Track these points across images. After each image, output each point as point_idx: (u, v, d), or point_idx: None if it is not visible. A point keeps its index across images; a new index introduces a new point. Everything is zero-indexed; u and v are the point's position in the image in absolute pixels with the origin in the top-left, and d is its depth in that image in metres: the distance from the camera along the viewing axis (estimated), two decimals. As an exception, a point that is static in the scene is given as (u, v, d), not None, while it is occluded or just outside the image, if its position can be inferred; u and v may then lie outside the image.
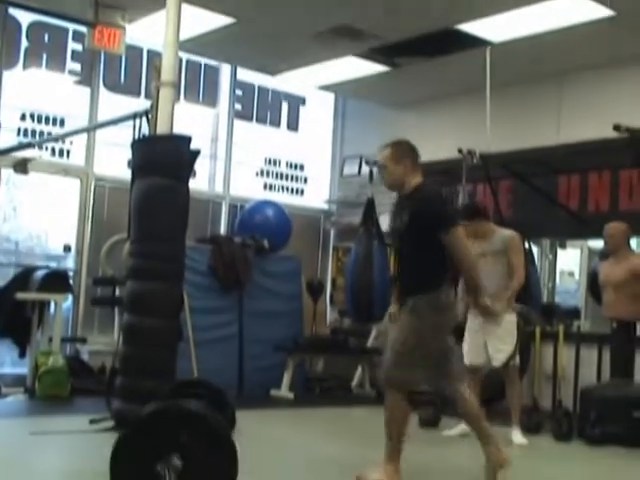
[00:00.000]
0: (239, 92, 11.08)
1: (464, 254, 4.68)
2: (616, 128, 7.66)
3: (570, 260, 10.56)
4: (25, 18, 9.19)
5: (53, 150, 9.47)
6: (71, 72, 9.67)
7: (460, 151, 8.88)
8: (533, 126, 9.47)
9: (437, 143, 10.09)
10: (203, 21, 8.39)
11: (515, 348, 6.84)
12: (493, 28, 8.21)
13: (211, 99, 10.85)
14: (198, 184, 9.79)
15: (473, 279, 4.85)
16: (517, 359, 6.91)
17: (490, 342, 6.81)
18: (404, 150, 4.90)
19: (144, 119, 6.52)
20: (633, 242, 7.80)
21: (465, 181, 9.01)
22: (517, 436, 6.85)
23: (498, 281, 6.77)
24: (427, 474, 5.45)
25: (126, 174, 7.35)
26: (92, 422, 6.24)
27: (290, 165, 11.57)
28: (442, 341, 4.84)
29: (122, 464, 3.51)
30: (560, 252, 10.16)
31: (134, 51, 9.84)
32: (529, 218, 9.07)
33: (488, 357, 6.83)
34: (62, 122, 9.49)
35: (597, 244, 8.57)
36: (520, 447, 6.72)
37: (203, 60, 10.55)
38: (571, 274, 10.70)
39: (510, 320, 6.83)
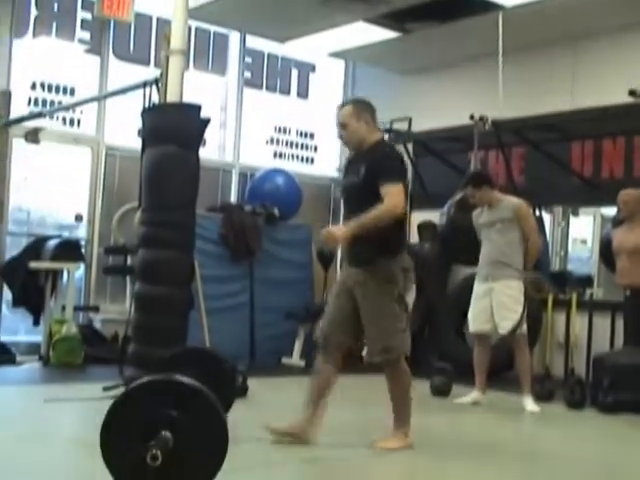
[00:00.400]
0: (248, 60, 11.01)
1: (389, 210, 4.60)
2: (632, 93, 7.60)
3: (583, 227, 10.52)
4: (34, -14, 9.16)
5: (64, 119, 9.45)
6: (81, 41, 9.63)
7: (472, 117, 8.82)
8: (546, 92, 9.38)
9: (448, 110, 10.04)
10: (212, -12, 8.33)
11: (522, 316, 6.79)
12: (505, -8, 8.13)
13: (220, 67, 10.79)
14: (208, 153, 9.76)
15: (376, 226, 4.63)
16: (525, 327, 6.86)
17: (496, 309, 6.83)
18: (363, 107, 4.93)
19: (154, 88, 6.50)
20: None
21: (477, 148, 8.94)
22: (529, 404, 6.84)
23: (505, 249, 6.83)
24: (439, 442, 5.45)
25: (137, 143, 7.33)
26: (105, 389, 6.27)
27: (300, 133, 11.52)
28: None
29: (112, 436, 3.48)
30: (573, 219, 10.11)
31: (143, 19, 9.80)
32: (542, 185, 9.02)
33: (495, 324, 6.86)
34: (72, 91, 9.46)
35: (610, 211, 8.51)
36: (532, 414, 6.75)
37: (212, 28, 10.48)
38: (584, 242, 10.65)
39: (517, 287, 6.80)
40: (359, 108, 4.90)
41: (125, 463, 3.45)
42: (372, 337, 4.77)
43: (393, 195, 4.59)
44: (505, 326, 6.78)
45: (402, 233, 4.93)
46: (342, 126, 4.88)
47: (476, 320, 6.97)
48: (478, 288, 6.99)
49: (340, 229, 4.79)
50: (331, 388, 4.90)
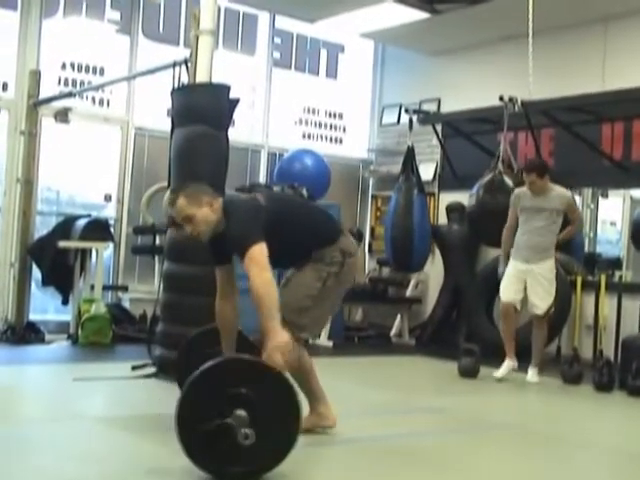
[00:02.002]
0: (277, 40, 10.99)
1: (257, 283, 4.07)
2: (662, 75, 7.53)
3: (612, 209, 10.44)
4: (64, -34, 9.19)
5: (93, 99, 9.49)
6: (110, 21, 9.64)
7: (501, 98, 8.76)
8: (576, 73, 9.31)
9: (478, 91, 10.01)
10: (241, -32, 8.31)
11: (555, 298, 7.21)
12: (536, -28, 8.05)
13: (250, 47, 10.78)
14: (237, 133, 9.76)
15: (271, 304, 4.05)
16: (553, 308, 7.25)
17: (533, 290, 7.16)
18: (197, 190, 4.28)
19: (183, 68, 6.51)
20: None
21: (506, 129, 8.89)
22: (531, 374, 7.21)
23: (547, 235, 7.19)
24: (468, 423, 5.47)
25: (166, 123, 7.35)
26: (134, 368, 6.32)
27: (329, 114, 11.50)
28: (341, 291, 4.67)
29: (188, 418, 3.58)
30: (602, 201, 10.04)
31: (173, 0, 9.79)
32: (571, 167, 8.96)
33: (526, 300, 7.20)
34: (102, 71, 9.48)
35: (640, 193, 8.46)
36: (530, 384, 7.10)
37: (241, 8, 10.46)
38: (613, 224, 10.58)
39: (553, 270, 7.22)
40: (194, 193, 4.23)
41: (199, 440, 3.55)
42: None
43: (249, 267, 4.09)
44: (541, 306, 7.16)
45: (325, 224, 4.61)
46: (187, 220, 4.22)
47: (509, 290, 7.23)
48: (515, 266, 7.25)
49: (277, 354, 3.82)
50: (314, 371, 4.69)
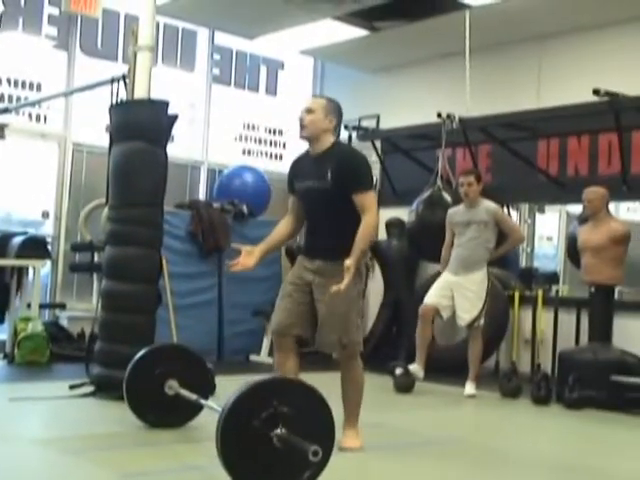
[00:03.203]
0: (217, 56, 10.99)
1: (373, 226, 4.59)
2: (596, 92, 7.65)
3: (549, 225, 10.60)
4: (0, -19, 9.09)
5: (30, 115, 9.39)
6: (48, 36, 9.56)
7: (439, 115, 8.87)
8: (513, 90, 9.46)
9: (416, 108, 10.09)
10: (180, -16, 8.30)
11: (481, 311, 7.27)
12: (473, -9, 8.17)
13: (189, 64, 10.76)
14: (176, 149, 9.72)
15: (370, 243, 4.63)
16: (482, 321, 7.30)
17: (459, 302, 7.28)
18: (335, 109, 4.79)
19: (121, 84, 6.47)
20: (611, 207, 7.82)
21: (444, 145, 8.99)
22: (469, 388, 7.28)
23: (477, 248, 7.28)
24: (405, 438, 5.49)
25: (104, 139, 7.29)
26: (72, 388, 6.24)
27: (269, 130, 11.51)
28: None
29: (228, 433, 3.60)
30: (539, 217, 10.19)
31: (111, 15, 9.75)
32: (508, 182, 9.08)
33: (452, 307, 7.31)
34: (39, 87, 9.39)
35: (576, 209, 8.59)
36: (468, 397, 7.19)
37: (181, 24, 10.44)
38: (550, 239, 10.74)
39: (481, 284, 7.29)
40: (331, 107, 4.76)
41: (243, 457, 3.59)
42: (331, 330, 4.59)
43: (371, 207, 4.57)
44: (465, 318, 7.27)
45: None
46: (308, 110, 4.72)
47: (433, 295, 7.37)
48: (445, 277, 7.41)
49: (345, 280, 4.42)
50: None
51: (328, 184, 4.60)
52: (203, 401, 4.76)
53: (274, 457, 3.57)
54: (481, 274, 7.26)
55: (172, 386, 4.98)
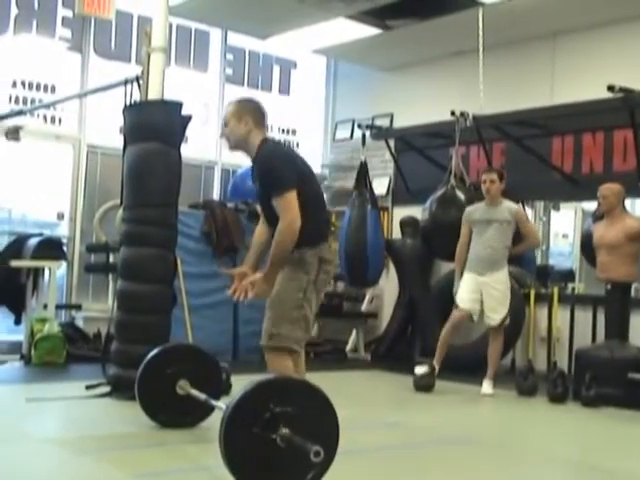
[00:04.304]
0: (230, 57, 11.01)
1: (286, 230, 4.29)
2: (610, 88, 7.61)
3: (564, 222, 10.56)
4: (13, -16, 9.13)
5: (45, 117, 9.43)
6: (61, 38, 9.59)
7: (453, 113, 8.85)
8: (526, 87, 9.43)
9: (430, 106, 10.08)
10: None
11: (509, 310, 7.33)
12: (485, -11, 8.16)
13: (202, 64, 10.78)
14: (190, 150, 9.74)
15: (285, 250, 4.35)
16: (508, 320, 7.36)
17: (488, 302, 7.28)
18: (247, 108, 4.58)
19: (135, 85, 6.48)
20: (627, 203, 7.79)
21: (458, 144, 8.97)
22: (486, 386, 7.30)
23: (499, 247, 7.31)
24: (422, 437, 5.48)
25: (118, 140, 7.32)
26: (88, 388, 6.26)
27: (282, 130, 11.52)
28: (318, 299, 4.59)
29: (234, 431, 3.60)
30: (554, 214, 10.15)
31: (124, 17, 9.79)
32: (522, 180, 9.04)
33: (481, 311, 7.31)
34: (53, 89, 9.43)
35: (591, 206, 8.55)
36: (484, 396, 7.20)
37: (193, 25, 10.46)
38: (565, 236, 10.70)
39: (506, 283, 7.34)
40: (242, 108, 4.57)
41: (246, 458, 3.58)
42: (266, 319, 4.42)
43: (283, 212, 4.30)
44: (496, 318, 7.29)
45: (319, 223, 4.56)
46: (224, 123, 4.60)
47: (467, 300, 7.32)
48: (469, 278, 7.36)
49: (253, 278, 4.41)
50: None
51: (260, 190, 4.49)
52: (213, 401, 4.75)
53: (278, 457, 3.57)
54: (504, 273, 7.33)
55: (183, 386, 4.99)
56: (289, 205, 4.30)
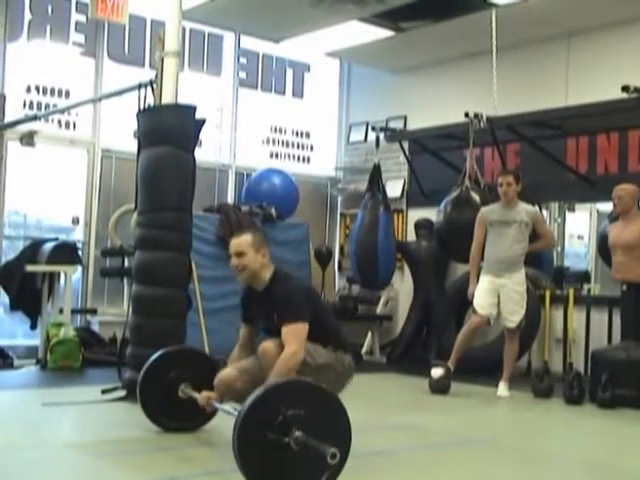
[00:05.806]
0: (243, 60, 11.01)
1: (288, 362, 4.30)
2: (625, 89, 7.59)
3: (579, 223, 10.52)
4: (27, -10, 9.17)
5: (59, 122, 9.45)
6: (75, 43, 9.62)
7: (467, 115, 8.83)
8: (540, 88, 9.40)
9: (443, 107, 10.06)
10: (206, -11, 8.33)
11: (526, 311, 7.33)
12: (499, -10, 8.15)
13: (215, 68, 10.79)
14: (204, 153, 9.76)
15: (286, 374, 4.29)
16: (524, 321, 7.36)
17: (505, 304, 7.27)
18: (262, 239, 4.65)
19: (149, 89, 6.50)
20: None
21: (472, 145, 8.95)
22: (502, 389, 7.28)
23: (517, 248, 7.30)
24: (439, 439, 5.47)
25: (132, 145, 7.33)
26: (104, 392, 6.28)
27: (296, 133, 11.53)
28: None
29: (246, 434, 3.61)
30: (569, 215, 10.11)
31: (138, 21, 9.81)
32: (537, 181, 9.01)
33: (498, 314, 7.31)
34: (67, 94, 9.46)
35: (606, 206, 8.52)
36: (501, 398, 7.19)
37: (206, 29, 10.48)
38: (580, 237, 10.65)
39: (524, 284, 7.35)
40: (259, 239, 4.62)
41: (260, 463, 3.60)
42: None
43: (291, 342, 4.33)
44: (514, 320, 7.29)
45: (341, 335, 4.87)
46: (238, 254, 4.58)
47: (485, 304, 7.29)
48: (487, 279, 7.33)
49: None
50: None
51: (276, 324, 4.47)
52: (217, 404, 4.72)
53: (292, 460, 3.57)
54: (522, 274, 7.32)
55: (184, 390, 4.98)
56: (298, 335, 4.37)
